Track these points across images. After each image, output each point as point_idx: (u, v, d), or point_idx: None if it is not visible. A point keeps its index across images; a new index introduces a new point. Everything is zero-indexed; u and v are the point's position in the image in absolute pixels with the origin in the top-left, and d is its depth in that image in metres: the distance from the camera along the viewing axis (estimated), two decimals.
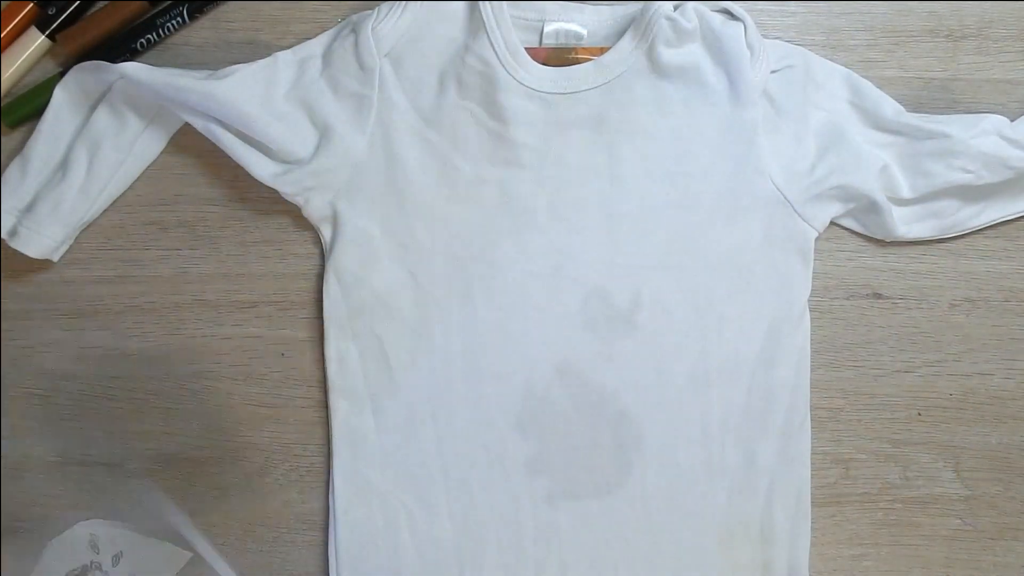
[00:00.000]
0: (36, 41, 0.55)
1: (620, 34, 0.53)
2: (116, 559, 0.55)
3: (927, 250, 0.56)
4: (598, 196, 0.53)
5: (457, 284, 0.53)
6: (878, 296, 0.56)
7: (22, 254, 0.52)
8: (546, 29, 0.54)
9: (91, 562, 0.55)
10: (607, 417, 0.53)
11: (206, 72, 0.52)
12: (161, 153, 0.56)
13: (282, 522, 0.55)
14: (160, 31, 0.55)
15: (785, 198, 0.53)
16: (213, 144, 0.53)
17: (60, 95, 0.53)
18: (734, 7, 0.52)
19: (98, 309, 0.56)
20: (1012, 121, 0.53)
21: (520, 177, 0.53)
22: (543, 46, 0.54)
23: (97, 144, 0.53)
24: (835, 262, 0.56)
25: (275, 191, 0.53)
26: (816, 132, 0.53)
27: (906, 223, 0.54)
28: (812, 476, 0.54)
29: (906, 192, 0.53)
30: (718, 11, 0.52)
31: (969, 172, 0.52)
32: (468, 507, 0.53)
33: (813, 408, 0.54)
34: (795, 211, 0.53)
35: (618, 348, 0.53)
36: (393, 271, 0.53)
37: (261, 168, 0.52)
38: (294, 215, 0.55)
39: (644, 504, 0.53)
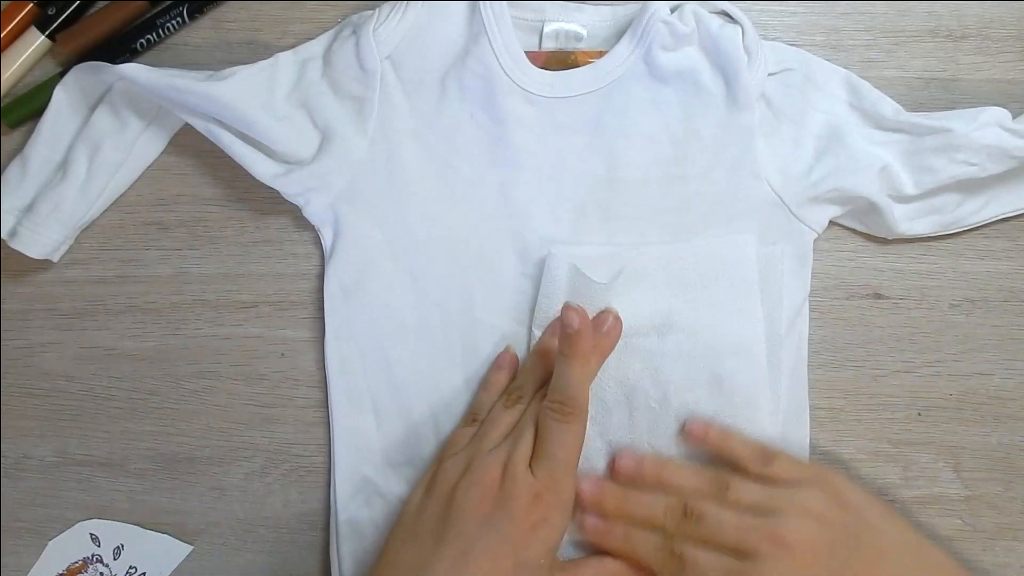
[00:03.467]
0: (36, 41, 0.55)
1: (620, 35, 0.53)
2: (117, 552, 0.55)
3: (927, 250, 0.56)
4: (596, 199, 0.53)
5: (457, 286, 0.53)
6: (878, 296, 0.56)
7: (22, 254, 0.52)
8: (546, 29, 0.54)
9: (92, 555, 0.55)
10: None
11: (206, 73, 0.52)
12: (161, 153, 0.56)
13: (282, 522, 0.55)
14: (160, 31, 0.55)
15: (782, 201, 0.53)
16: (213, 144, 0.53)
17: (60, 95, 0.53)
18: (733, 9, 0.52)
19: (98, 309, 0.56)
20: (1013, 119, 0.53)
21: (519, 180, 0.53)
22: (543, 47, 0.54)
23: (97, 144, 0.53)
24: (835, 262, 0.56)
25: (275, 191, 0.53)
26: (814, 135, 0.53)
27: (908, 220, 0.54)
28: None
29: (910, 189, 0.53)
30: (716, 12, 0.52)
31: (973, 164, 0.52)
32: None
33: (813, 408, 0.54)
34: (792, 214, 0.53)
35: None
36: (393, 272, 0.53)
37: (262, 168, 0.52)
38: (294, 215, 0.55)
39: None
